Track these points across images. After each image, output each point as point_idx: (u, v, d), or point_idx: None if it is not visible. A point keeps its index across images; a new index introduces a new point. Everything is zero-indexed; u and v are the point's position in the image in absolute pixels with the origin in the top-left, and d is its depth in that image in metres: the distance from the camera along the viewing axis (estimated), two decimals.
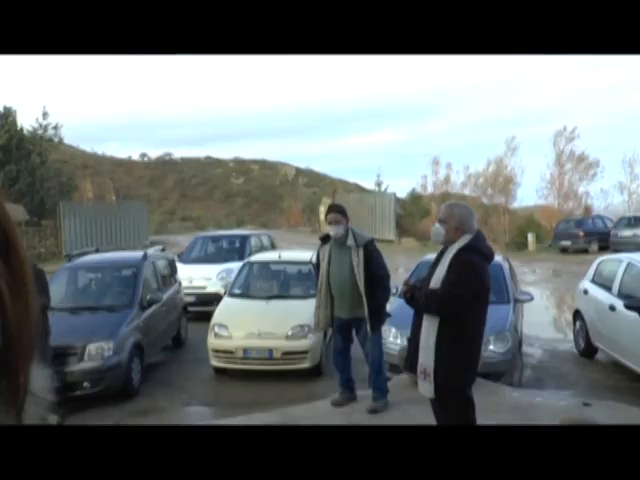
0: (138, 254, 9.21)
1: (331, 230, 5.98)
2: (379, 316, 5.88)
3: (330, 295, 6.05)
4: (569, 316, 10.47)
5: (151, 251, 9.55)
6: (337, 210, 6.08)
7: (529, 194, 50.57)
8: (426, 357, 4.10)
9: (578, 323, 9.01)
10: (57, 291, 7.87)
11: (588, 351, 8.67)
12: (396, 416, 5.84)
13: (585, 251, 22.78)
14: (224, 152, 72.14)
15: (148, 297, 8.18)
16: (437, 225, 4.28)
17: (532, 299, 8.04)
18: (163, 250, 10.33)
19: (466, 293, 4.00)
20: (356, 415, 5.93)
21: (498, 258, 7.70)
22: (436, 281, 4.14)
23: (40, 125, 30.41)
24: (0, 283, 0.52)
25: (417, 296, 4.21)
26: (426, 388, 4.14)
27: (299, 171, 71.39)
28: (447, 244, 4.22)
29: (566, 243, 24.21)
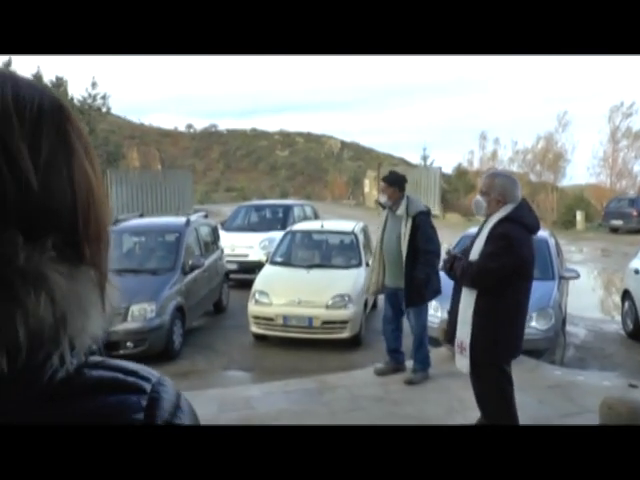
0: (181, 220, 9.31)
1: (380, 198, 6.18)
2: (418, 291, 5.75)
3: (383, 262, 6.11)
4: (617, 297, 10.15)
5: (194, 217, 9.65)
6: (385, 179, 6.14)
7: (580, 172, 48.99)
8: (463, 331, 4.02)
9: (627, 303, 8.72)
10: None
11: (637, 333, 8.39)
12: (433, 389, 5.80)
13: (638, 231, 21.88)
14: (269, 124, 72.65)
15: (190, 262, 8.29)
16: (478, 198, 4.15)
17: (578, 276, 7.80)
18: (206, 217, 10.42)
19: (501, 267, 3.87)
20: (393, 386, 5.91)
21: (544, 233, 7.47)
22: (475, 253, 4.04)
23: (89, 95, 30.95)
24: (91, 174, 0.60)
25: (455, 267, 4.12)
26: (462, 362, 4.08)
27: (344, 144, 71.02)
28: (489, 216, 4.10)
29: (617, 222, 23.22)
